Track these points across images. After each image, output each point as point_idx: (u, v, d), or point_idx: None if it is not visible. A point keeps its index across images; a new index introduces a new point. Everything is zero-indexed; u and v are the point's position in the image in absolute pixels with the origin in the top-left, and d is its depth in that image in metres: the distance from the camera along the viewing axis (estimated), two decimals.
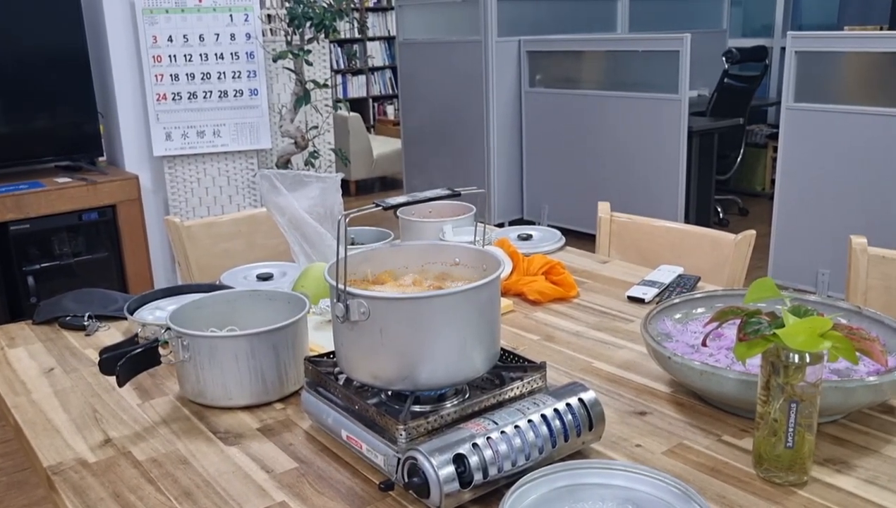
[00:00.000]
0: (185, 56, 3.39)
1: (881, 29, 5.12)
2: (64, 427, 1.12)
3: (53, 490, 0.99)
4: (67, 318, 1.50)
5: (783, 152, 3.71)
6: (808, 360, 0.89)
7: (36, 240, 3.30)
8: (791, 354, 0.89)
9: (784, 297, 0.99)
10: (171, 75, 3.39)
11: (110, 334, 1.46)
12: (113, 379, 1.13)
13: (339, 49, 8.12)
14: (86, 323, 1.48)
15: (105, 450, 1.05)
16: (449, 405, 0.98)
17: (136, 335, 1.28)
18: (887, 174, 3.40)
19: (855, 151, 3.48)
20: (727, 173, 5.26)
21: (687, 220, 4.52)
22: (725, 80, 4.94)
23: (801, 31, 3.86)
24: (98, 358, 1.13)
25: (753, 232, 1.79)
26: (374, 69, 8.42)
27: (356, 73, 8.30)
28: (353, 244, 1.73)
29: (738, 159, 5.26)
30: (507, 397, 1.01)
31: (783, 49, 4.58)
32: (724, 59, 4.90)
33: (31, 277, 3.25)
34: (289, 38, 3.44)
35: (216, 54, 3.43)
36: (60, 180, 3.30)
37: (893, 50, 3.36)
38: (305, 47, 3.38)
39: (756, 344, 0.92)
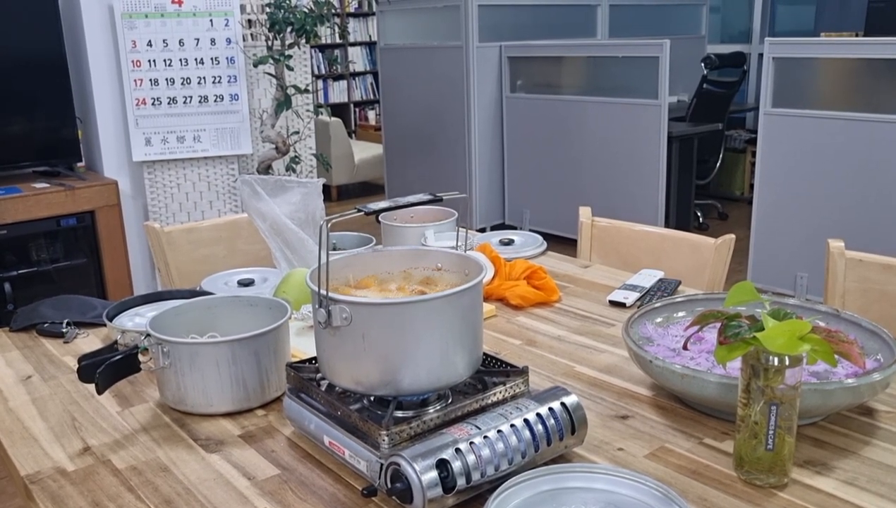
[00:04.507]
0: (164, 61, 3.37)
1: (856, 35, 5.19)
2: (42, 435, 1.11)
3: (31, 500, 0.97)
4: (45, 325, 1.48)
5: (761, 157, 3.75)
6: (787, 363, 0.90)
7: (13, 247, 3.26)
8: (771, 357, 0.90)
9: (763, 301, 0.99)
10: (150, 80, 3.37)
11: (89, 341, 1.44)
12: (92, 386, 1.12)
13: (320, 54, 8.11)
14: (64, 330, 1.46)
15: (84, 459, 1.04)
16: (432, 410, 0.98)
17: (116, 342, 1.27)
18: (864, 178, 3.45)
19: (832, 156, 3.52)
20: (707, 178, 5.31)
21: (667, 225, 4.55)
22: (704, 85, 4.98)
23: (779, 37, 3.90)
24: (77, 366, 1.12)
25: (733, 236, 1.81)
26: (355, 74, 8.42)
27: (337, 78, 8.29)
28: (334, 249, 1.73)
29: (718, 164, 5.31)
30: (489, 402, 1.01)
31: (761, 55, 4.63)
32: (702, 64, 4.95)
33: (9, 284, 3.21)
34: (269, 43, 3.42)
35: (196, 59, 3.42)
36: (38, 186, 3.27)
37: (868, 56, 3.41)
38: (286, 52, 3.37)
39: (736, 348, 0.93)
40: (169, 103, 3.40)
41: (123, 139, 3.52)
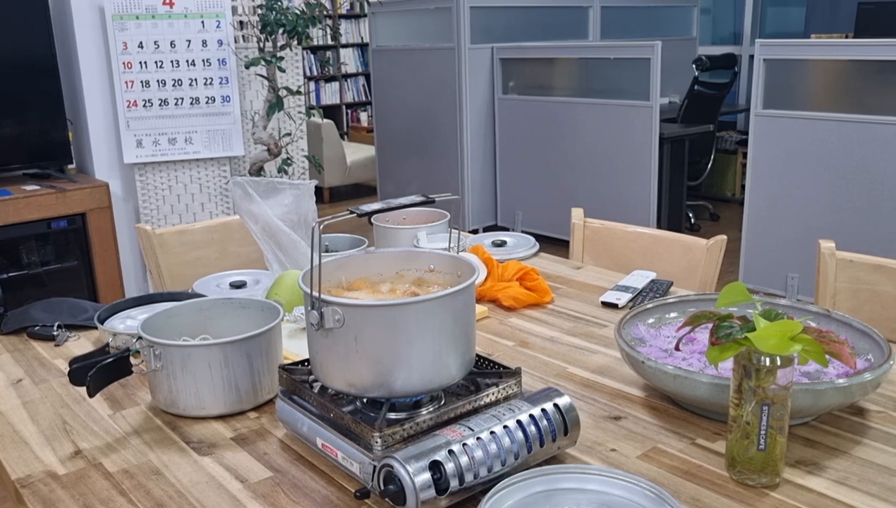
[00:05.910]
0: (156, 62, 3.36)
1: (846, 37, 5.22)
2: (33, 439, 1.10)
3: (22, 504, 0.97)
4: (36, 328, 1.47)
5: (752, 158, 3.76)
6: (779, 363, 0.90)
7: (4, 249, 3.24)
8: (762, 357, 0.90)
9: (755, 301, 1.00)
10: (141, 82, 3.36)
11: (80, 344, 1.44)
12: (83, 389, 1.11)
13: (312, 56, 8.10)
14: (55, 333, 1.45)
15: (75, 462, 1.04)
16: (424, 412, 0.98)
17: (107, 344, 1.26)
18: (854, 178, 3.46)
19: (822, 156, 3.54)
20: (698, 179, 5.33)
21: (659, 226, 4.57)
22: (696, 87, 5.00)
23: (769, 38, 3.92)
24: (68, 369, 1.12)
25: (724, 237, 1.81)
26: (347, 76, 8.41)
27: (329, 79, 8.28)
28: (327, 251, 1.72)
29: (709, 165, 5.32)
30: (482, 403, 1.01)
31: (752, 56, 4.65)
32: (694, 66, 4.97)
33: None
34: (261, 44, 3.42)
35: (188, 61, 3.41)
36: (29, 188, 3.25)
37: (858, 57, 3.43)
38: (278, 54, 3.37)
39: (728, 348, 0.93)
40: (160, 105, 3.40)
41: (114, 141, 3.51)
